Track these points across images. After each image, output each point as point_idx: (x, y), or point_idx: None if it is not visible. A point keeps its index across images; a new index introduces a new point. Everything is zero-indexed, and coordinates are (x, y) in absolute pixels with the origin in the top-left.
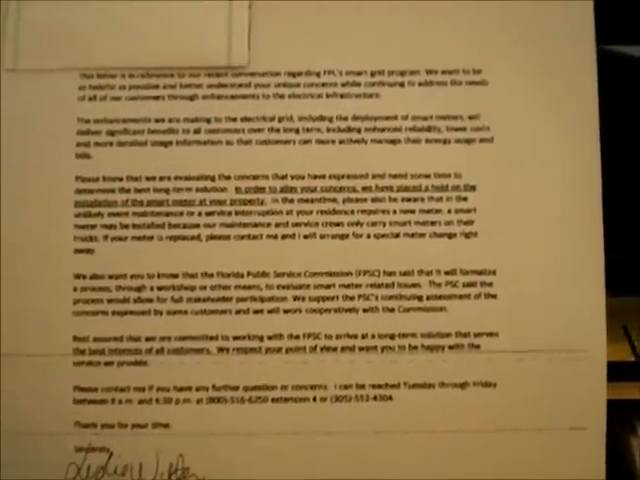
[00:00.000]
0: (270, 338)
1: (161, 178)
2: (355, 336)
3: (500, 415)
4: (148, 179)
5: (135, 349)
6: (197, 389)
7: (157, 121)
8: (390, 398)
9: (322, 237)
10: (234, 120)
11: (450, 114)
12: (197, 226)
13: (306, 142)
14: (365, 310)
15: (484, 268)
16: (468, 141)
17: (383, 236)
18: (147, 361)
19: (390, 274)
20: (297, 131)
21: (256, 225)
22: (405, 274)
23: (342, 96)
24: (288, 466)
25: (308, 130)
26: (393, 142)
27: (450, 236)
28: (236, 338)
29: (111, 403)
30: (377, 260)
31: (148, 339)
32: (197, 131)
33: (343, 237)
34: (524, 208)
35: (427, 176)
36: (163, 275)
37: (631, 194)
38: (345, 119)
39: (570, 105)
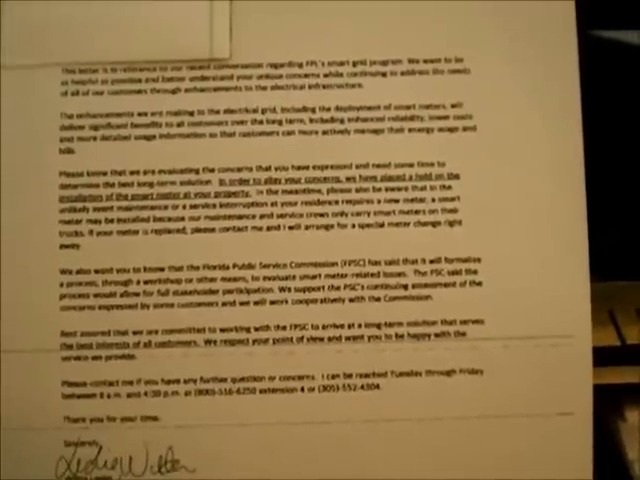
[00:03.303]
0: (257, 329)
1: (145, 172)
2: (342, 326)
3: (487, 402)
4: (132, 173)
5: (123, 343)
6: (185, 381)
7: (140, 115)
8: (377, 387)
9: (307, 228)
10: (217, 113)
11: (433, 103)
12: (182, 219)
13: (289, 133)
14: (351, 300)
15: (469, 256)
16: (451, 130)
17: (368, 226)
18: (135, 355)
19: (375, 263)
20: (280, 122)
21: (241, 217)
22: (390, 263)
23: (325, 87)
24: (277, 456)
25: (291, 121)
26: (376, 132)
27: (435, 225)
28: (223, 330)
29: (100, 397)
30: (362, 250)
31: (135, 333)
32: (180, 124)
33: (328, 227)
34: (508, 195)
35: (410, 165)
36: (149, 269)
37: (615, 177)
38: (328, 110)
39: (552, 92)
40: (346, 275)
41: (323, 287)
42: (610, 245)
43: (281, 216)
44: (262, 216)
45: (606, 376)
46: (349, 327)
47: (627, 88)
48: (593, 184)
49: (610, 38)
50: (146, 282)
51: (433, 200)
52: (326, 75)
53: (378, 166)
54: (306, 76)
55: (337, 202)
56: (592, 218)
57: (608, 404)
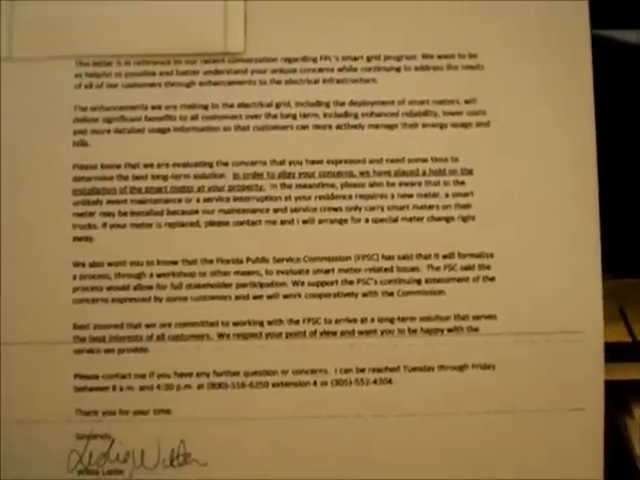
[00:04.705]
0: (270, 323)
1: (159, 165)
2: (355, 320)
3: (499, 397)
4: (146, 166)
5: (135, 336)
6: (198, 375)
7: (154, 108)
8: (390, 381)
9: (321, 222)
10: (231, 106)
11: (446, 98)
12: (196, 212)
13: (303, 128)
14: (364, 294)
15: (482, 251)
16: (464, 125)
17: (381, 220)
18: (148, 348)
19: (389, 258)
20: (294, 117)
21: (255, 211)
22: (404, 258)
23: (339, 81)
24: (289, 450)
25: (305, 116)
26: (390, 127)
27: (448, 220)
28: (236, 324)
29: (112, 390)
30: (376, 244)
31: (148, 326)
32: (194, 118)
33: (342, 222)
34: (521, 191)
35: (424, 160)
36: (162, 262)
37: (627, 175)
38: (342, 104)
39: (565, 88)
40: (359, 269)
41: (336, 281)
42: (621, 242)
43: (295, 210)
44: (276, 210)
45: (616, 372)
46: (362, 321)
47: (626, 88)
48: (606, 179)
49: (608, 37)
50: (159, 275)
51: (446, 195)
52: (340, 70)
53: (392, 161)
54: (320, 71)
55: (351, 197)
56: (604, 215)
57: (617, 400)
